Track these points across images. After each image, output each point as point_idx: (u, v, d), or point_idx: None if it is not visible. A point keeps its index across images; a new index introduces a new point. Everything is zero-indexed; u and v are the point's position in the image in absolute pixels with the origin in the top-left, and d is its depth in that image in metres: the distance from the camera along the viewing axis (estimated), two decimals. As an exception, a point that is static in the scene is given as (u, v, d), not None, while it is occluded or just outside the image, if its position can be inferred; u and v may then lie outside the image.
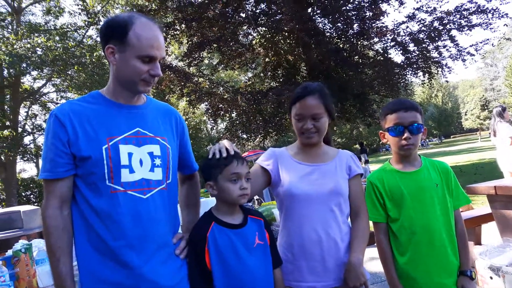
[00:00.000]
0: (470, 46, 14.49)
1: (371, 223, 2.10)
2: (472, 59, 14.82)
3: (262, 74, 17.81)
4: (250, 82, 18.33)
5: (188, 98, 16.01)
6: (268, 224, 1.82)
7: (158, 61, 1.56)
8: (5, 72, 18.27)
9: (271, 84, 17.39)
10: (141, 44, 1.50)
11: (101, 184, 1.50)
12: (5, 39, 16.72)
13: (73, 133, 1.49)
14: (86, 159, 1.49)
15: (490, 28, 14.18)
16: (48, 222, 1.49)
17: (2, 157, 18.45)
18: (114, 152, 1.51)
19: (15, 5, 19.69)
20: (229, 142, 1.78)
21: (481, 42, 14.47)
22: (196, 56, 15.37)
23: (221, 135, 20.67)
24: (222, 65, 17.02)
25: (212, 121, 18.08)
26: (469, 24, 14.08)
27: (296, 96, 1.91)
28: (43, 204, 1.52)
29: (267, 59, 16.68)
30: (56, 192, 1.51)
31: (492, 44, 15.26)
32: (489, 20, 14.06)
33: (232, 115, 17.06)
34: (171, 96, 16.90)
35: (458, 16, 14.07)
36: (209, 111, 16.40)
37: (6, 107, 19.39)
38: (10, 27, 19.67)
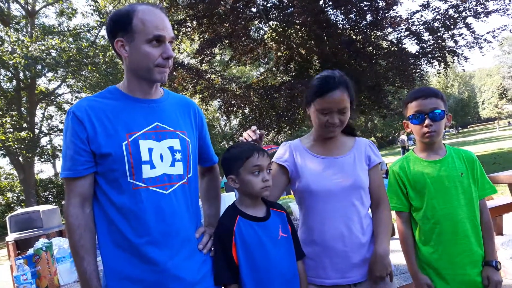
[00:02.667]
0: (487, 33, 14.19)
1: (393, 212, 2.06)
2: (490, 46, 14.51)
3: (274, 69, 17.75)
4: (263, 77, 18.29)
5: (200, 95, 16.07)
6: (289, 217, 1.80)
7: (168, 42, 1.53)
8: (21, 74, 18.57)
9: (284, 78, 17.33)
10: (147, 28, 1.48)
11: (122, 180, 1.48)
12: (20, 42, 16.98)
13: (92, 129, 1.48)
14: (107, 156, 1.48)
15: (508, 14, 13.87)
16: (70, 221, 1.49)
17: (20, 159, 18.80)
18: (134, 148, 1.49)
19: (29, 8, 19.98)
20: (252, 129, 1.77)
21: (498, 29, 14.16)
22: (208, 52, 15.40)
23: (235, 131, 20.69)
24: (234, 61, 17.02)
25: (225, 118, 18.15)
26: (485, 10, 13.78)
27: (322, 89, 1.77)
28: (65, 203, 1.52)
29: (279, 53, 16.61)
30: (77, 190, 1.50)
31: (510, 30, 14.90)
32: (506, 5, 13.75)
33: (245, 111, 17.05)
34: (184, 93, 16.96)
35: (474, 2, 13.78)
36: (222, 107, 16.44)
37: (22, 109, 19.74)
38: (24, 30, 19.98)
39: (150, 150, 1.52)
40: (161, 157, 1.54)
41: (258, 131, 1.85)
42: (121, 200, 1.49)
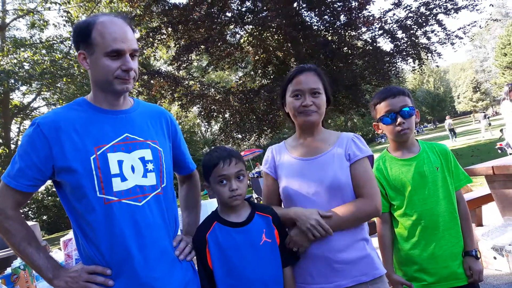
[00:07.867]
0: (458, 29, 14.52)
1: None
2: (461, 42, 14.86)
3: (252, 73, 17.78)
4: (241, 81, 18.28)
5: (179, 102, 15.95)
6: (278, 220, 1.70)
7: (128, 54, 1.48)
8: (-6, 89, 18.13)
9: (262, 81, 17.36)
10: (105, 41, 1.44)
11: (92, 197, 1.44)
12: (-9, 56, 16.60)
13: (58, 146, 1.43)
14: (74, 171, 1.43)
15: (477, 10, 14.22)
16: (9, 224, 1.48)
17: (-3, 175, 18.34)
18: (103, 161, 1.45)
19: (-1, 21, 19.56)
20: None
21: (468, 25, 14.50)
22: (185, 59, 15.33)
23: (216, 136, 20.63)
24: (212, 66, 16.98)
25: (206, 123, 18.08)
26: (455, 6, 14.11)
27: (293, 73, 1.82)
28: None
29: (256, 57, 16.65)
30: (14, 198, 1.48)
31: (480, 26, 15.27)
32: (475, 1, 14.09)
33: (225, 115, 17.02)
34: (162, 101, 16.82)
35: (443, -1, 14.10)
36: (202, 113, 16.37)
37: (-3, 124, 19.29)
38: (-5, 43, 19.53)
39: (120, 163, 1.48)
40: (133, 169, 1.50)
41: None
42: (95, 218, 1.45)
